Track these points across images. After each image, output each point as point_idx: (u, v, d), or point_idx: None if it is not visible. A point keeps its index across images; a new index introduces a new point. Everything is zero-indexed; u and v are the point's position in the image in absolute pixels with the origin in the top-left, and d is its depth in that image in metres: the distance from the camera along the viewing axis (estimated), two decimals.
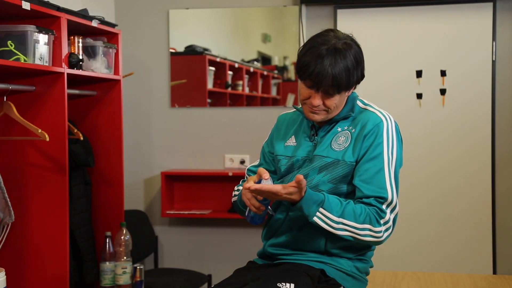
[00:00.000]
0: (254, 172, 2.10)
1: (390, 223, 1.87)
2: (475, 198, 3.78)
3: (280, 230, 2.01)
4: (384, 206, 1.86)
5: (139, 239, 3.66)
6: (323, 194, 1.85)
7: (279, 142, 2.10)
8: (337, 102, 1.92)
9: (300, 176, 1.76)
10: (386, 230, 1.86)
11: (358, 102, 2.02)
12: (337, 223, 1.83)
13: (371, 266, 2.06)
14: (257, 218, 1.89)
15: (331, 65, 1.85)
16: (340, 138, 1.96)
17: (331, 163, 1.93)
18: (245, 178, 2.16)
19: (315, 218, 1.82)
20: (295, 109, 2.12)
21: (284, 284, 1.80)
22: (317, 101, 1.91)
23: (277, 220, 2.03)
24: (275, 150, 2.10)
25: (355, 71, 1.90)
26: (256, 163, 2.18)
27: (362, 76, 1.96)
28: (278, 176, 2.07)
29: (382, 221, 1.85)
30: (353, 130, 1.95)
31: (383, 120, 1.94)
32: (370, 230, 1.84)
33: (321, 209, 1.82)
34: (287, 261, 1.97)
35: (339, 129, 1.97)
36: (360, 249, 1.99)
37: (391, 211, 1.87)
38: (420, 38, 3.82)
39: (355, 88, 1.99)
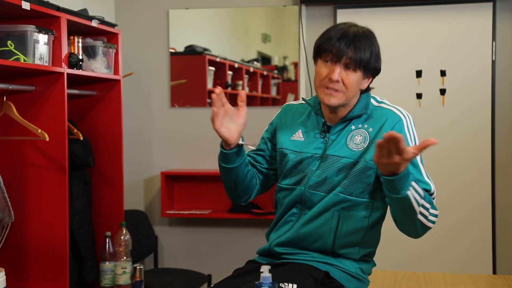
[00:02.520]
0: (250, 157, 2.11)
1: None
2: (475, 199, 3.79)
3: (290, 230, 1.98)
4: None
5: (139, 239, 3.66)
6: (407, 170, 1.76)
7: (284, 134, 2.04)
8: (355, 82, 1.87)
9: (434, 140, 1.63)
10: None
11: (372, 100, 1.98)
12: (421, 202, 1.77)
13: (374, 266, 2.06)
14: None
15: (355, 37, 1.85)
16: (356, 137, 1.92)
17: (350, 164, 1.89)
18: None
19: (408, 192, 1.74)
20: (303, 101, 2.07)
21: (286, 284, 1.79)
22: (336, 74, 1.85)
23: (288, 222, 2.00)
24: (279, 141, 2.04)
25: (376, 56, 1.89)
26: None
27: (379, 69, 1.94)
28: (280, 171, 2.03)
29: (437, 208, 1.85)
30: (371, 129, 1.91)
31: (402, 117, 1.92)
32: (434, 215, 1.82)
33: (413, 183, 1.75)
34: (291, 260, 1.96)
35: (353, 127, 1.93)
36: (365, 248, 1.98)
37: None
38: (420, 38, 3.82)
39: (371, 81, 1.95)
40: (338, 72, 1.86)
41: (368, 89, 1.99)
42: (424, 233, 1.86)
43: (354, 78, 1.87)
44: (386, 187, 1.77)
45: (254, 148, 1.97)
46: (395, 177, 1.71)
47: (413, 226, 1.83)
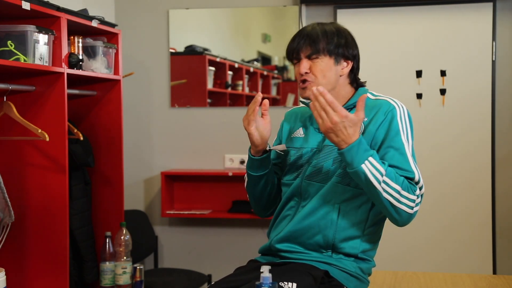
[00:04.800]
0: None
1: (418, 200, 1.87)
2: (475, 198, 3.79)
3: (289, 225, 1.99)
4: (414, 184, 1.87)
5: (139, 239, 3.66)
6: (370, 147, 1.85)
7: (287, 135, 2.11)
8: (323, 69, 1.95)
9: (363, 96, 1.78)
10: (418, 204, 1.86)
11: (369, 95, 2.02)
12: (382, 179, 1.80)
13: (374, 266, 2.06)
14: None
15: (309, 34, 1.96)
16: None
17: None
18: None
19: (363, 166, 1.78)
20: (302, 104, 2.13)
21: (286, 283, 1.79)
22: (302, 68, 1.96)
23: (286, 217, 2.02)
24: (282, 141, 2.11)
25: (335, 37, 1.96)
26: None
27: (353, 55, 1.99)
28: (283, 168, 2.08)
29: (415, 193, 1.85)
30: (365, 119, 1.94)
31: (396, 106, 1.95)
32: (407, 198, 1.83)
33: (370, 158, 1.79)
34: (290, 260, 1.97)
35: None
36: (366, 243, 1.98)
37: (420, 190, 1.88)
38: (420, 38, 3.82)
39: (351, 66, 2.00)
40: (303, 65, 1.96)
41: (357, 81, 2.04)
42: (404, 219, 1.86)
43: (321, 65, 1.96)
44: (344, 163, 1.83)
45: (282, 151, 2.00)
46: (346, 149, 1.78)
47: (384, 208, 1.84)
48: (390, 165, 1.86)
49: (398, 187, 1.81)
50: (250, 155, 2.04)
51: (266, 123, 1.99)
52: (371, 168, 1.79)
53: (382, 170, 1.80)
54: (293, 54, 1.99)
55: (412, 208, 1.84)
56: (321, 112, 1.78)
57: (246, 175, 2.12)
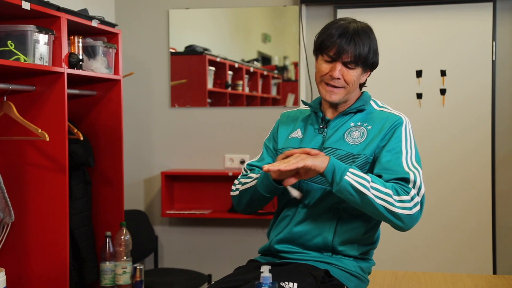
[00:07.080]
0: (255, 166, 2.10)
1: (417, 199, 1.84)
2: (475, 198, 3.79)
3: (289, 226, 2.00)
4: (407, 184, 1.85)
5: (139, 239, 3.66)
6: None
7: (283, 135, 2.10)
8: (355, 78, 1.94)
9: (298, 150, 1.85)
10: (416, 204, 1.83)
11: (372, 102, 2.04)
12: (370, 185, 1.80)
13: (374, 265, 2.06)
14: None
15: (355, 34, 1.91)
16: (354, 132, 1.97)
17: (345, 156, 1.93)
18: (245, 172, 2.13)
19: (346, 177, 1.79)
20: (304, 105, 2.12)
21: (287, 283, 1.79)
22: (337, 72, 1.92)
23: (285, 217, 2.02)
24: (278, 144, 2.09)
25: (374, 51, 1.96)
26: (257, 158, 2.16)
27: (377, 63, 2.00)
28: None
29: (410, 193, 1.83)
30: (369, 127, 1.96)
31: (402, 117, 1.97)
32: (401, 200, 1.81)
33: (351, 169, 1.82)
34: (290, 260, 1.97)
35: (352, 124, 1.98)
36: (364, 245, 1.99)
37: (417, 190, 1.85)
38: (420, 38, 3.82)
39: (369, 75, 2.02)
40: (339, 69, 1.93)
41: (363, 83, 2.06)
42: (407, 223, 1.84)
43: (354, 74, 1.94)
44: (329, 185, 1.85)
45: (297, 197, 1.97)
46: (326, 169, 1.81)
47: (382, 216, 1.83)
48: (382, 168, 1.87)
49: (389, 191, 1.81)
50: (273, 182, 1.94)
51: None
52: (354, 177, 1.80)
53: (367, 177, 1.82)
54: (329, 50, 1.93)
55: (410, 208, 1.82)
56: (292, 166, 1.80)
57: (244, 186, 2.07)
